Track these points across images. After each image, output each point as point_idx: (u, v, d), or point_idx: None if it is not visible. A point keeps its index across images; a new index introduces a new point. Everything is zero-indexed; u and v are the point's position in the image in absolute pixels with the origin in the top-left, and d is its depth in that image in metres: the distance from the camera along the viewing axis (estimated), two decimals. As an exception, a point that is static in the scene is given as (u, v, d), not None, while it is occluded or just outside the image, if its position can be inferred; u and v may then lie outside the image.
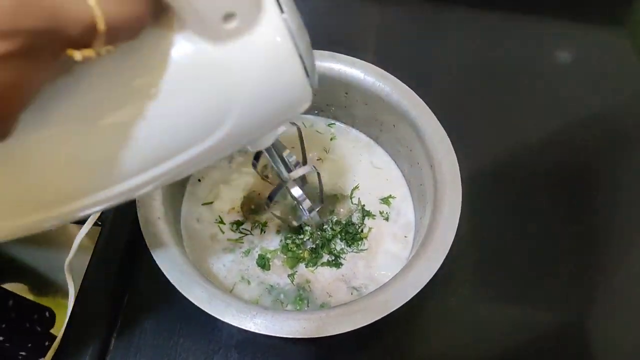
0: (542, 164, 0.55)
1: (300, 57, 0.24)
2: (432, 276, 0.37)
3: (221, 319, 0.35)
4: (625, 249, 0.51)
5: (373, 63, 0.47)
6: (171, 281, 0.36)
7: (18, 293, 0.68)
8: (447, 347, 0.45)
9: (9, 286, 0.70)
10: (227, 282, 0.45)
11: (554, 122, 0.58)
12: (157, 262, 0.37)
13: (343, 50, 0.48)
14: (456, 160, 0.42)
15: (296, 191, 0.40)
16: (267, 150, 0.35)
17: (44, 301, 0.73)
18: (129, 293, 0.47)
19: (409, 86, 0.46)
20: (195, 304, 0.35)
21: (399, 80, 0.46)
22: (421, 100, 0.45)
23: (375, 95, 0.47)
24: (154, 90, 0.23)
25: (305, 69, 0.25)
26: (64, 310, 0.48)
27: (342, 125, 0.53)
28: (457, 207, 0.40)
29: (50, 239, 0.74)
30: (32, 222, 0.26)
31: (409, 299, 0.36)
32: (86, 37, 0.18)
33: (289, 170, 0.39)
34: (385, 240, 0.47)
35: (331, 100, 0.50)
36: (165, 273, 0.37)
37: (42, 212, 0.26)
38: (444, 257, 0.38)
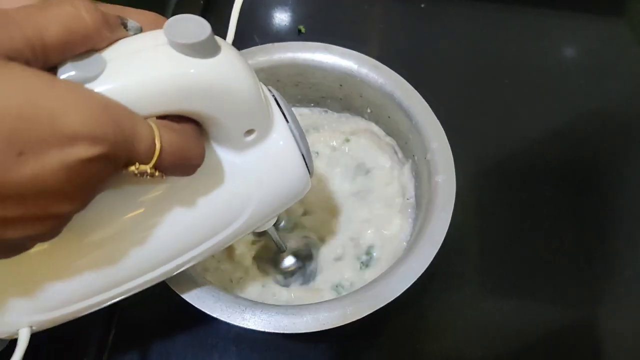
0: (545, 158, 0.54)
1: (303, 156, 0.30)
2: (423, 271, 0.36)
3: (210, 314, 0.35)
4: (632, 244, 0.50)
5: (374, 57, 0.46)
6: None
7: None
8: (450, 344, 0.45)
9: None
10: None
11: (555, 116, 0.57)
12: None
13: (343, 45, 0.47)
14: (450, 150, 0.41)
15: (289, 260, 0.45)
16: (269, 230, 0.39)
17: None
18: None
19: (408, 81, 0.45)
20: (185, 298, 0.35)
21: (392, 71, 0.45)
22: (414, 89, 0.44)
23: (369, 86, 0.46)
24: (193, 190, 0.28)
25: (306, 165, 0.31)
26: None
27: (338, 117, 0.52)
28: (451, 199, 0.39)
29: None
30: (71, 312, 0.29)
31: (400, 292, 0.36)
32: (143, 157, 0.22)
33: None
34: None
35: (326, 92, 0.49)
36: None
37: (80, 303, 0.29)
38: (435, 252, 0.37)
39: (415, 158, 0.45)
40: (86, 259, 0.27)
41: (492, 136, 0.56)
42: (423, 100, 0.44)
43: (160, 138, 0.22)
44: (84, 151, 0.19)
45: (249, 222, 0.31)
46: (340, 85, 0.48)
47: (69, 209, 0.20)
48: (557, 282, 0.47)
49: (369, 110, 0.48)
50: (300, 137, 0.30)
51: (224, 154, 0.28)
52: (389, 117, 0.47)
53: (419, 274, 0.36)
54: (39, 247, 0.24)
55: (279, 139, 0.29)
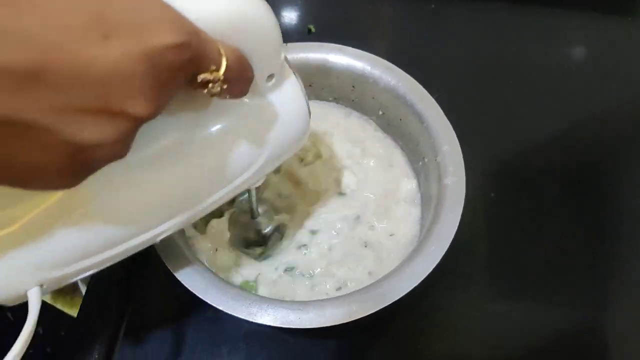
0: (553, 160, 0.54)
1: (307, 103, 0.32)
2: (429, 271, 0.36)
3: (217, 306, 0.35)
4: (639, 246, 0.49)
5: (382, 57, 0.47)
6: (167, 266, 0.37)
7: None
8: (455, 345, 0.44)
9: None
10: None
11: (561, 117, 0.57)
12: (157, 250, 0.38)
13: (352, 44, 0.47)
14: (461, 153, 0.41)
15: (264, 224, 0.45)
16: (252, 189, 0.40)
17: (59, 301, 0.74)
18: (136, 285, 0.47)
19: (417, 81, 0.45)
20: (191, 290, 0.36)
21: (405, 73, 0.46)
22: (427, 92, 0.44)
23: (382, 88, 0.46)
24: (218, 131, 0.29)
25: (309, 111, 0.33)
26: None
27: (351, 118, 0.53)
28: (460, 202, 0.39)
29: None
30: (103, 259, 0.29)
31: (406, 292, 0.36)
32: (214, 62, 0.22)
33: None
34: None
35: (339, 93, 0.50)
36: (163, 259, 0.37)
37: (92, 258, 0.28)
38: (443, 253, 0.37)
39: (426, 160, 0.45)
40: (99, 209, 0.26)
41: (498, 137, 0.55)
42: (435, 103, 0.44)
43: (225, 50, 0.23)
44: (166, 38, 0.19)
45: (264, 166, 0.32)
46: (353, 87, 0.48)
47: (143, 111, 0.20)
48: (564, 284, 0.47)
49: (380, 113, 0.49)
50: (303, 88, 0.32)
51: (248, 98, 0.29)
52: (400, 119, 0.47)
53: (426, 274, 0.36)
54: (49, 197, 0.25)
55: (291, 88, 0.31)
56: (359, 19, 0.65)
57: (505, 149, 0.55)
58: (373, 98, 0.48)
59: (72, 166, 0.20)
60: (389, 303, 0.35)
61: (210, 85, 0.23)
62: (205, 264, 0.41)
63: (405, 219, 0.46)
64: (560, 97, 0.59)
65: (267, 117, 0.31)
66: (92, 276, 0.47)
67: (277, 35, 0.27)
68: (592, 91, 0.59)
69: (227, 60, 0.23)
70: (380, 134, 0.50)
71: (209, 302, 0.35)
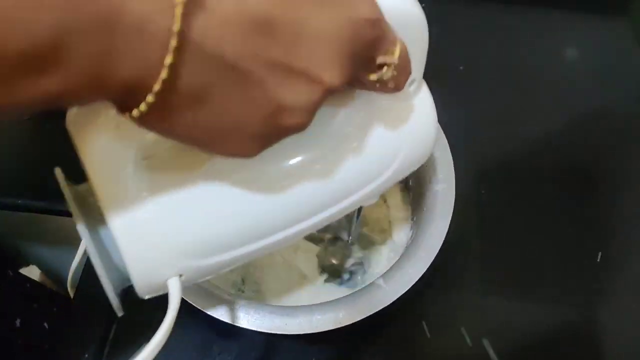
0: (547, 159, 0.54)
1: (436, 115, 0.32)
2: (418, 278, 0.36)
3: (203, 310, 0.35)
4: (634, 244, 0.50)
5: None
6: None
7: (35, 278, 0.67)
8: (450, 346, 0.44)
9: (25, 270, 0.69)
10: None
11: (557, 116, 0.57)
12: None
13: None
14: (452, 160, 0.41)
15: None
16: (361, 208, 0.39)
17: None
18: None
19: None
20: (185, 299, 0.35)
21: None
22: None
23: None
24: (361, 132, 0.29)
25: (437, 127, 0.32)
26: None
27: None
28: (450, 208, 0.39)
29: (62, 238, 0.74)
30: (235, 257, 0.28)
31: (395, 298, 0.36)
32: (391, 47, 0.23)
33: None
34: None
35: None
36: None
37: (236, 250, 0.28)
38: (432, 259, 0.37)
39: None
40: (246, 200, 0.26)
41: (494, 136, 0.55)
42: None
43: (400, 46, 0.23)
44: (367, 12, 0.21)
45: (392, 176, 0.31)
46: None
47: (336, 80, 0.21)
48: (559, 282, 0.47)
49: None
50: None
51: (389, 100, 0.29)
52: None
53: (415, 281, 0.36)
54: (203, 177, 0.25)
55: (425, 96, 0.31)
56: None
57: (498, 147, 0.55)
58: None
59: (265, 128, 0.21)
60: (376, 310, 0.35)
61: (384, 69, 0.23)
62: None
63: (395, 224, 0.46)
64: (553, 96, 0.59)
65: (403, 124, 0.30)
66: (81, 276, 0.47)
67: (427, 38, 0.28)
68: (585, 90, 0.59)
69: (400, 47, 0.23)
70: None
71: (194, 304, 0.35)
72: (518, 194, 0.52)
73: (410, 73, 0.25)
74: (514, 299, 0.46)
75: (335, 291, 0.44)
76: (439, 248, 0.38)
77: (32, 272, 0.76)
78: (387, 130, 0.29)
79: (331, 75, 0.20)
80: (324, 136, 0.28)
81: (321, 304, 0.36)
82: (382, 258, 0.46)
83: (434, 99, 0.43)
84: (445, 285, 0.46)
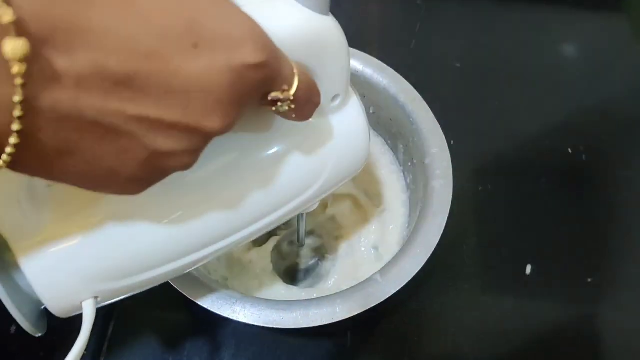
0: (544, 155, 0.54)
1: (368, 126, 0.32)
2: (415, 273, 0.36)
3: (201, 304, 0.35)
4: (632, 242, 0.50)
5: (372, 55, 0.46)
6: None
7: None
8: (447, 343, 0.44)
9: None
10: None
11: (554, 112, 0.57)
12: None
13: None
14: (449, 157, 0.41)
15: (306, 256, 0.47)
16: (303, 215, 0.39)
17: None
18: None
19: (407, 79, 0.45)
20: (174, 286, 0.36)
21: (397, 74, 0.45)
22: (418, 94, 0.44)
23: (373, 88, 0.46)
24: (280, 149, 0.29)
25: (369, 135, 0.32)
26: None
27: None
28: (447, 205, 0.40)
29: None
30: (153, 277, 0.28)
31: (391, 294, 0.36)
32: (286, 81, 0.22)
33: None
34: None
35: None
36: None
37: (151, 272, 0.28)
38: (429, 255, 0.37)
39: (415, 161, 0.45)
40: (160, 222, 0.27)
41: (491, 133, 0.55)
42: (426, 105, 0.44)
43: (297, 70, 0.23)
44: (249, 56, 0.20)
45: (322, 189, 0.31)
46: (344, 85, 0.48)
47: (218, 126, 0.20)
48: (556, 280, 0.47)
49: (371, 111, 0.48)
50: (364, 108, 0.31)
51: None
52: (390, 119, 0.47)
53: (411, 276, 0.36)
54: (108, 206, 0.25)
55: (353, 110, 0.30)
56: (347, 15, 0.64)
57: (497, 145, 0.55)
58: (364, 97, 0.48)
59: (142, 172, 0.20)
60: (372, 305, 0.35)
61: (279, 104, 0.23)
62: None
63: (393, 220, 0.46)
64: (551, 92, 0.59)
65: (328, 138, 0.30)
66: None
67: (347, 55, 0.27)
68: (583, 87, 0.59)
69: (298, 82, 0.23)
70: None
71: (191, 298, 0.35)
72: (516, 191, 0.52)
73: (317, 102, 0.25)
74: (511, 298, 0.46)
75: (294, 292, 0.44)
76: (436, 244, 0.38)
77: None
78: (312, 142, 0.29)
79: (212, 122, 0.20)
80: (241, 153, 0.28)
81: (317, 298, 0.36)
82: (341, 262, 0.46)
83: (429, 96, 0.44)
84: (442, 282, 0.46)
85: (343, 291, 0.36)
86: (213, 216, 0.28)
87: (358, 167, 0.33)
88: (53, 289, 0.25)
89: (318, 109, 0.27)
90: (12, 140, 0.17)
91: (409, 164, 0.46)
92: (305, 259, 0.46)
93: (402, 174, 0.48)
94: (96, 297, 0.27)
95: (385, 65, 0.46)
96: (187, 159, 0.21)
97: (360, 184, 0.48)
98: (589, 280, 0.47)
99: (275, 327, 0.35)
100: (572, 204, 0.52)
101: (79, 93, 0.17)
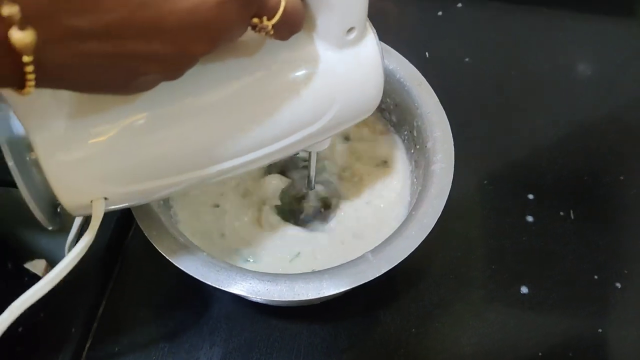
0: (555, 163, 0.53)
1: (383, 66, 0.31)
2: (409, 254, 0.35)
3: (185, 270, 0.35)
4: None
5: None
6: (141, 227, 0.36)
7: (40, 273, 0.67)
8: (453, 351, 0.43)
9: (30, 265, 0.70)
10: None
11: (566, 118, 0.56)
12: (134, 214, 0.37)
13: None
14: (452, 140, 0.40)
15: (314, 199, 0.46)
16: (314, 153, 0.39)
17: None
18: (121, 262, 0.47)
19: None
20: (161, 252, 0.35)
21: (403, 58, 0.45)
22: (424, 78, 0.43)
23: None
24: (293, 77, 0.29)
25: (383, 74, 0.32)
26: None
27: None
28: (447, 188, 0.38)
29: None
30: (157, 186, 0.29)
31: (381, 273, 0.35)
32: (270, 12, 0.24)
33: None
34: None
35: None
36: (138, 222, 0.37)
37: (160, 180, 0.29)
38: (424, 236, 0.36)
39: (417, 147, 0.44)
40: (172, 133, 0.28)
41: (500, 140, 0.54)
42: (432, 90, 0.43)
43: (286, 3, 0.24)
44: None
45: (330, 123, 0.31)
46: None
47: (203, 50, 0.22)
48: (567, 291, 0.45)
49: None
50: (381, 48, 0.31)
51: (322, 48, 0.29)
52: (396, 105, 0.46)
53: (404, 257, 0.35)
54: (116, 110, 0.26)
55: (369, 46, 0.30)
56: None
57: (507, 152, 0.54)
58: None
59: (137, 85, 0.23)
60: (360, 283, 0.34)
61: (256, 29, 0.25)
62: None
63: (395, 207, 0.45)
64: (564, 97, 0.58)
65: (340, 72, 0.30)
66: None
67: None
68: (595, 91, 0.58)
69: (282, 12, 0.24)
70: (373, 118, 0.49)
71: (176, 264, 0.35)
72: (526, 200, 0.50)
73: (296, 30, 0.26)
74: (519, 308, 0.45)
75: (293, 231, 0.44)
76: (431, 227, 0.36)
77: (37, 265, 0.76)
78: (323, 74, 0.29)
79: (199, 48, 0.22)
80: (251, 70, 0.28)
81: (305, 273, 0.35)
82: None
83: (438, 87, 0.43)
84: (448, 292, 0.45)
85: (332, 268, 0.35)
86: (220, 135, 0.29)
87: (370, 106, 0.33)
88: (67, 184, 0.26)
89: (333, 40, 0.29)
90: (29, 72, 0.19)
91: (412, 150, 0.45)
92: (312, 203, 0.46)
93: (408, 161, 0.47)
94: (106, 198, 0.28)
95: (391, 49, 0.45)
96: (176, 74, 0.23)
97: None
98: (602, 295, 0.45)
99: (259, 298, 0.34)
100: (585, 215, 0.50)
101: (80, 44, 0.19)
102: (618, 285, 0.46)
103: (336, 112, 0.31)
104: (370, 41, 0.30)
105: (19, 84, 0.19)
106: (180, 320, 0.44)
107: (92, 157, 0.26)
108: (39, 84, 0.20)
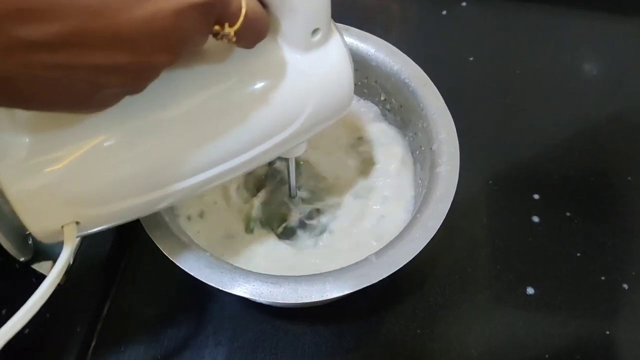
0: (562, 164, 0.52)
1: (352, 67, 0.31)
2: (412, 257, 0.35)
3: (188, 271, 0.35)
4: None
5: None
6: (146, 231, 0.36)
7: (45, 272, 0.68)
8: (458, 351, 0.43)
9: (37, 266, 0.70)
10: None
11: (573, 119, 0.55)
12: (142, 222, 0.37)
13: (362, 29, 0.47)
14: (457, 142, 0.40)
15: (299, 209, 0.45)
16: (292, 160, 0.39)
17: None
18: (125, 262, 0.47)
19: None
20: (165, 253, 0.35)
21: (409, 59, 0.44)
22: (429, 79, 0.43)
23: (384, 72, 0.45)
24: (259, 84, 0.29)
25: (353, 75, 0.32)
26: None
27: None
28: (452, 191, 0.38)
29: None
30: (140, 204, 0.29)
31: (385, 276, 0.34)
32: (231, 18, 0.24)
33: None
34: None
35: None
36: (145, 227, 0.37)
37: (134, 199, 0.28)
38: (428, 239, 0.36)
39: (423, 149, 0.43)
40: (139, 150, 0.27)
41: (505, 139, 0.54)
42: (437, 91, 0.43)
43: (247, 4, 0.24)
44: None
45: (303, 127, 0.31)
46: (356, 69, 0.47)
47: (165, 61, 0.22)
48: (574, 292, 0.45)
49: (382, 98, 0.47)
50: (348, 49, 0.31)
51: (289, 53, 0.29)
52: (401, 106, 0.46)
53: (407, 260, 0.35)
54: (79, 130, 0.25)
55: (336, 47, 0.30)
56: (372, 15, 0.64)
57: (514, 152, 0.53)
58: (375, 82, 0.47)
59: (98, 101, 0.22)
60: (364, 286, 0.34)
61: (218, 36, 0.24)
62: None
63: (401, 209, 0.45)
64: (569, 97, 0.57)
65: (309, 74, 0.30)
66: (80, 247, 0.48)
67: None
68: (603, 91, 0.58)
69: (244, 19, 0.24)
70: (380, 120, 0.48)
71: (179, 265, 0.35)
72: (533, 201, 0.50)
73: (261, 37, 0.26)
74: (526, 309, 0.44)
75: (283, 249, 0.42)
76: (436, 230, 0.36)
77: (44, 266, 0.77)
78: (292, 78, 0.29)
79: (160, 58, 0.21)
80: (218, 80, 0.28)
81: (308, 275, 0.35)
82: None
83: (443, 85, 0.42)
84: (454, 292, 0.45)
85: (335, 270, 0.35)
86: (190, 148, 0.28)
87: (342, 105, 0.32)
88: (35, 211, 0.26)
89: (299, 43, 0.29)
90: None
91: (417, 152, 0.45)
92: (299, 212, 0.45)
93: (412, 162, 0.46)
94: (77, 222, 0.27)
95: (397, 50, 0.45)
96: (138, 87, 0.23)
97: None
98: (611, 297, 0.45)
99: (263, 300, 0.34)
100: (594, 217, 0.49)
101: (29, 55, 0.18)
102: (625, 286, 0.45)
103: (308, 115, 0.31)
104: (336, 41, 0.30)
105: None
106: (184, 319, 0.44)
107: (58, 181, 0.25)
108: None
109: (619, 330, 0.43)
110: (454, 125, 0.41)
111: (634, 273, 0.46)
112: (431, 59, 0.45)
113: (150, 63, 0.21)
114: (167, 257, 0.35)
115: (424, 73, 0.44)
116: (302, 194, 0.45)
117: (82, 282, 0.44)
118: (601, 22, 0.63)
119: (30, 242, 0.29)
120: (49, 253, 0.72)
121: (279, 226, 0.44)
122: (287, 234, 0.44)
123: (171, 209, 0.41)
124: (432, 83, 0.43)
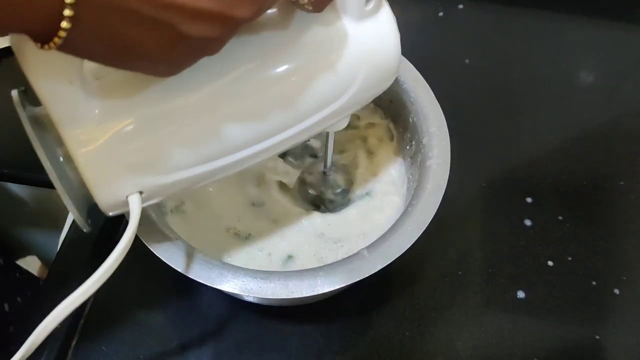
0: (556, 168, 0.52)
1: (399, 37, 0.31)
2: (404, 251, 0.34)
3: (176, 268, 0.34)
4: None
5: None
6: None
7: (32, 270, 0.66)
8: (447, 359, 0.42)
9: (22, 262, 0.68)
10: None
11: (567, 127, 0.55)
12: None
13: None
14: (448, 136, 0.40)
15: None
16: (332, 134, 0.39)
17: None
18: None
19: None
20: (152, 250, 0.34)
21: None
22: (419, 74, 0.43)
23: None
24: (316, 51, 0.29)
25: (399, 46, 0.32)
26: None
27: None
28: (443, 184, 0.38)
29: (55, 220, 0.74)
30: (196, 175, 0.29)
31: (376, 270, 0.34)
32: None
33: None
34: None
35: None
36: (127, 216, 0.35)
37: (196, 168, 0.29)
38: (420, 233, 0.35)
39: (413, 144, 0.43)
40: (205, 119, 0.27)
41: (499, 142, 0.54)
42: (427, 86, 0.43)
43: None
44: None
45: (354, 97, 0.31)
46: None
47: (246, 14, 0.22)
48: (565, 297, 0.45)
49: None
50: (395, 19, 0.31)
51: (346, 21, 0.30)
52: (391, 101, 0.45)
53: (399, 254, 0.34)
54: (146, 100, 0.26)
55: (385, 16, 0.30)
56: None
57: (507, 156, 0.53)
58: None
59: (176, 56, 0.22)
60: (356, 280, 0.33)
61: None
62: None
63: (390, 204, 0.44)
64: (564, 101, 0.57)
65: (362, 43, 0.30)
66: (64, 241, 0.46)
67: None
68: (598, 97, 0.58)
69: None
70: (369, 114, 0.48)
71: (167, 262, 0.34)
72: (525, 205, 0.50)
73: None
74: (517, 314, 0.44)
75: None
76: (427, 223, 0.36)
77: (31, 262, 0.75)
78: (343, 48, 0.29)
79: (241, 10, 0.22)
80: (284, 48, 0.29)
81: (299, 270, 0.34)
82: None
83: (438, 87, 0.42)
84: (445, 297, 0.45)
85: (326, 265, 0.35)
86: (257, 115, 0.29)
87: (389, 75, 0.33)
88: (101, 177, 0.26)
89: (352, 10, 0.29)
90: (64, 24, 0.19)
91: (408, 147, 0.44)
92: (332, 189, 0.45)
93: (401, 157, 0.46)
94: (141, 192, 0.27)
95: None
96: (216, 45, 0.23)
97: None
98: (601, 301, 0.45)
99: (252, 297, 0.33)
100: (585, 221, 0.49)
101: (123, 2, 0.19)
102: (616, 291, 0.45)
103: (361, 83, 0.31)
104: (386, 10, 0.30)
105: (46, 35, 0.19)
106: (169, 319, 0.43)
107: (124, 146, 0.26)
108: (66, 43, 0.19)
109: (608, 335, 0.43)
110: (444, 119, 0.41)
111: (624, 278, 0.46)
112: (427, 61, 0.44)
113: (232, 15, 0.22)
114: (152, 253, 0.34)
115: (414, 68, 0.43)
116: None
117: (64, 278, 0.42)
118: (597, 28, 0.63)
119: (89, 220, 0.28)
120: (33, 248, 0.71)
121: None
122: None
123: (157, 205, 0.40)
124: (422, 78, 0.43)
